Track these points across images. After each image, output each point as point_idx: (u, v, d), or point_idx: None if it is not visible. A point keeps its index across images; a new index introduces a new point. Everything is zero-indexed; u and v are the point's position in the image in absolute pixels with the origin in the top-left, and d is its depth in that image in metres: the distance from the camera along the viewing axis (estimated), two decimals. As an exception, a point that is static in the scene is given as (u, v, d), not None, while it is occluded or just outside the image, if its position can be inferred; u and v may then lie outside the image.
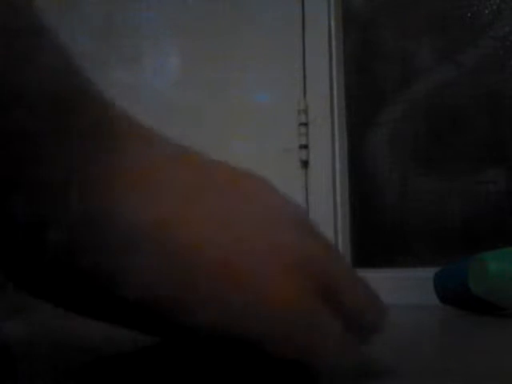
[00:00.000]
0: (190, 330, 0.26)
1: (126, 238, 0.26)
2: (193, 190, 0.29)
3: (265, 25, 1.46)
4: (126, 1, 1.65)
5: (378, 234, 1.29)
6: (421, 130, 1.29)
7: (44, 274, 0.26)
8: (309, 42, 1.40)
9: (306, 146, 1.35)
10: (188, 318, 0.26)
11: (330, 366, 0.28)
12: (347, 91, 1.37)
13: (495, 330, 0.69)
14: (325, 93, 1.36)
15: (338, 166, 1.33)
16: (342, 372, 0.28)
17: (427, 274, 1.17)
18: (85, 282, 0.26)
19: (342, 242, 1.30)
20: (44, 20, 0.30)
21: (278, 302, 0.26)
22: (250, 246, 0.28)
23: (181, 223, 0.27)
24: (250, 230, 0.29)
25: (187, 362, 0.31)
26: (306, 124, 1.36)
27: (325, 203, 1.31)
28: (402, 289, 1.22)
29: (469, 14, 1.29)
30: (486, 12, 1.28)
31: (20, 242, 0.25)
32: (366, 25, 1.39)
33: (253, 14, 1.48)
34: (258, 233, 0.29)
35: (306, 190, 1.34)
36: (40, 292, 0.28)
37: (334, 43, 1.39)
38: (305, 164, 1.35)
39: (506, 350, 0.48)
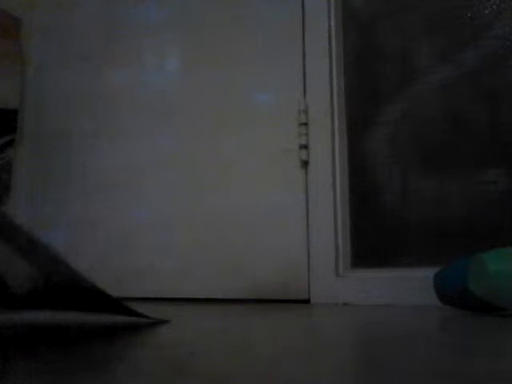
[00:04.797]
0: None
1: None
2: None
3: (265, 25, 1.46)
4: (126, 1, 1.65)
5: (377, 234, 1.29)
6: (421, 130, 1.29)
7: None
8: (309, 42, 1.40)
9: (305, 146, 1.35)
10: None
11: None
12: (347, 91, 1.38)
13: (495, 330, 0.69)
14: (325, 93, 1.36)
15: (337, 165, 1.33)
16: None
17: (427, 273, 1.17)
18: None
19: (342, 242, 1.30)
20: None
21: None
22: None
23: None
24: None
25: None
26: (306, 124, 1.36)
27: (325, 203, 1.31)
28: (402, 289, 1.22)
29: (469, 14, 1.29)
30: (486, 12, 1.28)
31: None
32: (366, 25, 1.39)
33: (253, 14, 1.48)
34: None
35: (306, 189, 1.34)
36: None
37: (334, 43, 1.39)
38: (305, 164, 1.36)
39: (506, 350, 0.48)
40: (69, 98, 1.66)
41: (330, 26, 1.40)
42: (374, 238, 1.29)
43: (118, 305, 0.57)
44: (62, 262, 0.45)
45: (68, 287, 0.46)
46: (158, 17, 1.59)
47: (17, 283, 0.39)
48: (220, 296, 1.37)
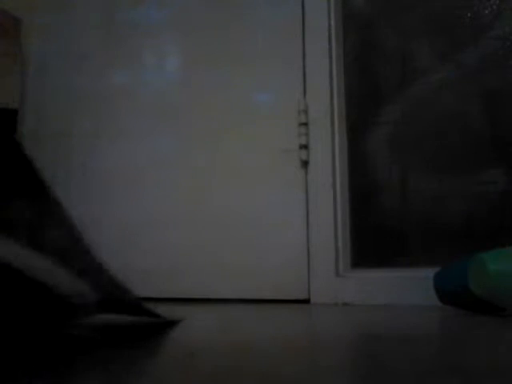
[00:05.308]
0: None
1: None
2: None
3: (265, 25, 1.46)
4: (126, 1, 1.65)
5: (377, 234, 1.29)
6: (421, 130, 1.29)
7: None
8: (309, 42, 1.40)
9: (305, 146, 1.35)
10: None
11: None
12: (347, 91, 1.38)
13: (495, 329, 0.69)
14: (325, 93, 1.36)
15: (338, 165, 1.33)
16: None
17: (427, 273, 1.17)
18: None
19: (342, 242, 1.30)
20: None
21: None
22: None
23: None
24: None
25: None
26: (306, 124, 1.36)
27: (325, 203, 1.31)
28: (401, 289, 1.22)
29: (469, 14, 1.29)
30: (486, 12, 1.28)
31: None
32: (365, 25, 1.39)
33: (253, 15, 1.48)
34: None
35: (306, 190, 1.34)
36: None
37: (334, 43, 1.39)
38: (305, 164, 1.36)
39: (506, 350, 0.48)
40: (69, 98, 1.66)
41: (330, 25, 1.40)
42: (374, 237, 1.29)
43: (145, 309, 0.61)
44: (115, 280, 0.49)
45: (117, 302, 0.51)
46: (158, 17, 1.59)
47: (75, 299, 0.43)
48: (220, 296, 1.37)
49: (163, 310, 1.03)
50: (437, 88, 1.29)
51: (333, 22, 1.40)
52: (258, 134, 1.41)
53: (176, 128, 1.50)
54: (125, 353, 0.44)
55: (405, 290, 1.20)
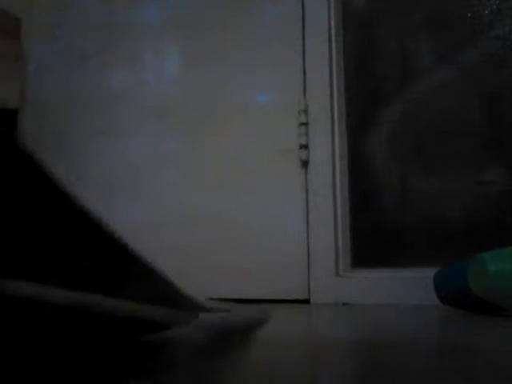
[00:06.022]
0: None
1: None
2: None
3: (265, 25, 1.46)
4: (126, 1, 1.65)
5: (377, 234, 1.29)
6: (421, 129, 1.29)
7: None
8: (309, 42, 1.40)
9: (305, 146, 1.35)
10: None
11: None
12: (347, 91, 1.37)
13: (495, 329, 0.69)
14: (325, 93, 1.36)
15: (337, 165, 1.33)
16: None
17: (427, 273, 1.17)
18: None
19: (342, 242, 1.30)
20: None
21: None
22: None
23: None
24: None
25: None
26: (306, 124, 1.36)
27: (325, 203, 1.31)
28: (402, 289, 1.22)
29: (469, 14, 1.29)
30: (486, 12, 1.28)
31: None
32: (366, 24, 1.39)
33: (253, 15, 1.48)
34: None
35: (306, 190, 1.34)
36: None
37: (333, 43, 1.39)
38: (305, 164, 1.36)
39: (506, 350, 0.48)
40: (69, 97, 1.66)
41: (330, 25, 1.40)
42: (374, 237, 1.29)
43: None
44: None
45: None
46: (158, 17, 1.59)
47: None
48: (219, 296, 1.37)
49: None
50: (437, 88, 1.29)
51: (333, 22, 1.40)
52: (258, 134, 1.41)
53: (176, 128, 1.50)
54: (121, 351, 0.44)
55: (405, 289, 1.20)
